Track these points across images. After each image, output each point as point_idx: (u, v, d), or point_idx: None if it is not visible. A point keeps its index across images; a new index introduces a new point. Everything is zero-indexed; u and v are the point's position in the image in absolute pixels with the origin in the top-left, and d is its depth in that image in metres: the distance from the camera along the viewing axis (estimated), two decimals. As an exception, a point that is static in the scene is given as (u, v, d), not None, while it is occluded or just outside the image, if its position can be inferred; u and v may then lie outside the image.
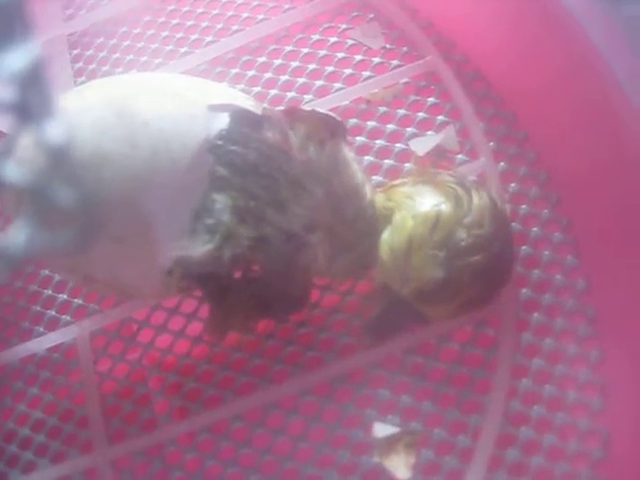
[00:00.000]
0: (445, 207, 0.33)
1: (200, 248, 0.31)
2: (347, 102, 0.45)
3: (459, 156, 0.42)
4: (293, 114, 0.34)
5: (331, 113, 0.36)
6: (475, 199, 0.33)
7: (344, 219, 0.33)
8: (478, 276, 0.32)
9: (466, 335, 0.38)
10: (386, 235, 0.33)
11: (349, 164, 0.34)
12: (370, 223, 0.34)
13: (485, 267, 0.32)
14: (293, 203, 0.32)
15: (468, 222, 0.32)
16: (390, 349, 0.39)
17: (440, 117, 0.44)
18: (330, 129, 0.34)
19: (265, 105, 0.35)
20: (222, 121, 0.32)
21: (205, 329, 0.39)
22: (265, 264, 0.32)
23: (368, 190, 0.34)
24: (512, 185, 0.41)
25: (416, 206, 0.33)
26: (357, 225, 0.33)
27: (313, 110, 0.35)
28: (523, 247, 0.39)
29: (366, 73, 0.46)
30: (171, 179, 0.31)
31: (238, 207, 0.31)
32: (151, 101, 0.32)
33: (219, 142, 0.32)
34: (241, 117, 0.32)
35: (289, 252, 0.32)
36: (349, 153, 0.35)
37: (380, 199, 0.35)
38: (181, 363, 0.41)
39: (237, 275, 0.33)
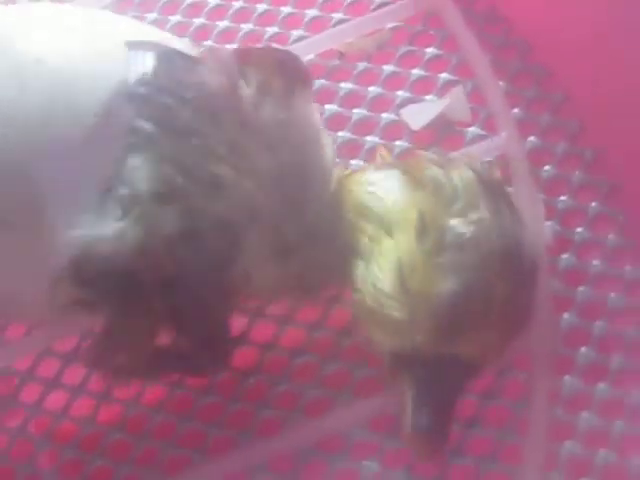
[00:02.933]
0: (425, 199, 0.30)
1: (108, 228, 0.28)
2: (312, 56, 0.41)
3: (471, 129, 0.39)
4: (245, 56, 0.32)
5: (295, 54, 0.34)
6: (455, 176, 0.30)
7: (297, 211, 0.30)
8: (503, 272, 0.29)
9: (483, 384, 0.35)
10: (362, 270, 0.30)
11: (317, 131, 0.32)
12: (333, 223, 0.31)
13: (506, 257, 0.29)
14: (234, 178, 0.29)
15: (459, 208, 0.29)
16: (378, 404, 0.34)
17: (444, 75, 0.40)
18: (294, 76, 0.32)
19: (203, 47, 0.35)
20: (146, 62, 0.30)
21: (88, 360, 0.33)
22: (186, 267, 0.29)
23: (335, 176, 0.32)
24: (547, 168, 0.38)
25: (387, 213, 0.30)
26: (314, 222, 0.31)
27: (271, 48, 0.34)
28: (565, 255, 0.36)
29: (337, 15, 0.42)
30: (74, 135, 0.28)
31: (163, 177, 0.29)
32: (46, 36, 0.30)
33: (141, 88, 0.29)
34: (171, 57, 0.30)
35: (221, 251, 0.29)
36: (317, 115, 0.33)
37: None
38: (82, 432, 0.35)
39: (146, 277, 0.29)
